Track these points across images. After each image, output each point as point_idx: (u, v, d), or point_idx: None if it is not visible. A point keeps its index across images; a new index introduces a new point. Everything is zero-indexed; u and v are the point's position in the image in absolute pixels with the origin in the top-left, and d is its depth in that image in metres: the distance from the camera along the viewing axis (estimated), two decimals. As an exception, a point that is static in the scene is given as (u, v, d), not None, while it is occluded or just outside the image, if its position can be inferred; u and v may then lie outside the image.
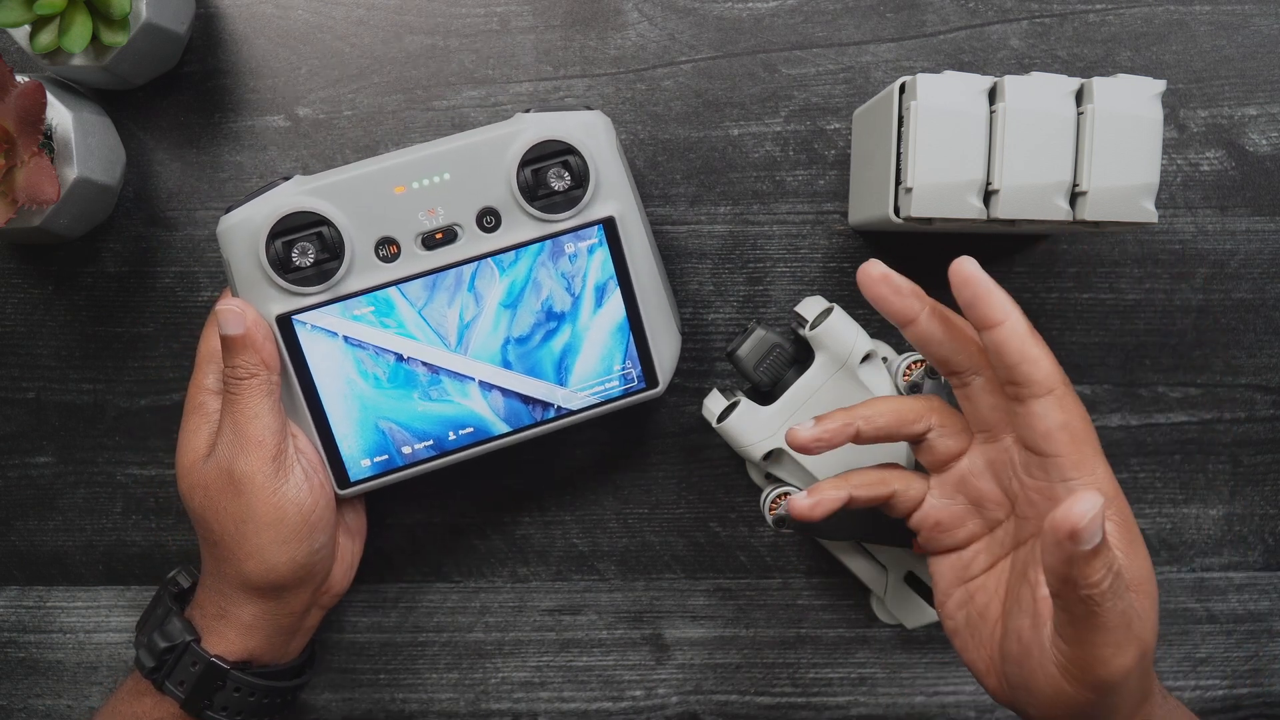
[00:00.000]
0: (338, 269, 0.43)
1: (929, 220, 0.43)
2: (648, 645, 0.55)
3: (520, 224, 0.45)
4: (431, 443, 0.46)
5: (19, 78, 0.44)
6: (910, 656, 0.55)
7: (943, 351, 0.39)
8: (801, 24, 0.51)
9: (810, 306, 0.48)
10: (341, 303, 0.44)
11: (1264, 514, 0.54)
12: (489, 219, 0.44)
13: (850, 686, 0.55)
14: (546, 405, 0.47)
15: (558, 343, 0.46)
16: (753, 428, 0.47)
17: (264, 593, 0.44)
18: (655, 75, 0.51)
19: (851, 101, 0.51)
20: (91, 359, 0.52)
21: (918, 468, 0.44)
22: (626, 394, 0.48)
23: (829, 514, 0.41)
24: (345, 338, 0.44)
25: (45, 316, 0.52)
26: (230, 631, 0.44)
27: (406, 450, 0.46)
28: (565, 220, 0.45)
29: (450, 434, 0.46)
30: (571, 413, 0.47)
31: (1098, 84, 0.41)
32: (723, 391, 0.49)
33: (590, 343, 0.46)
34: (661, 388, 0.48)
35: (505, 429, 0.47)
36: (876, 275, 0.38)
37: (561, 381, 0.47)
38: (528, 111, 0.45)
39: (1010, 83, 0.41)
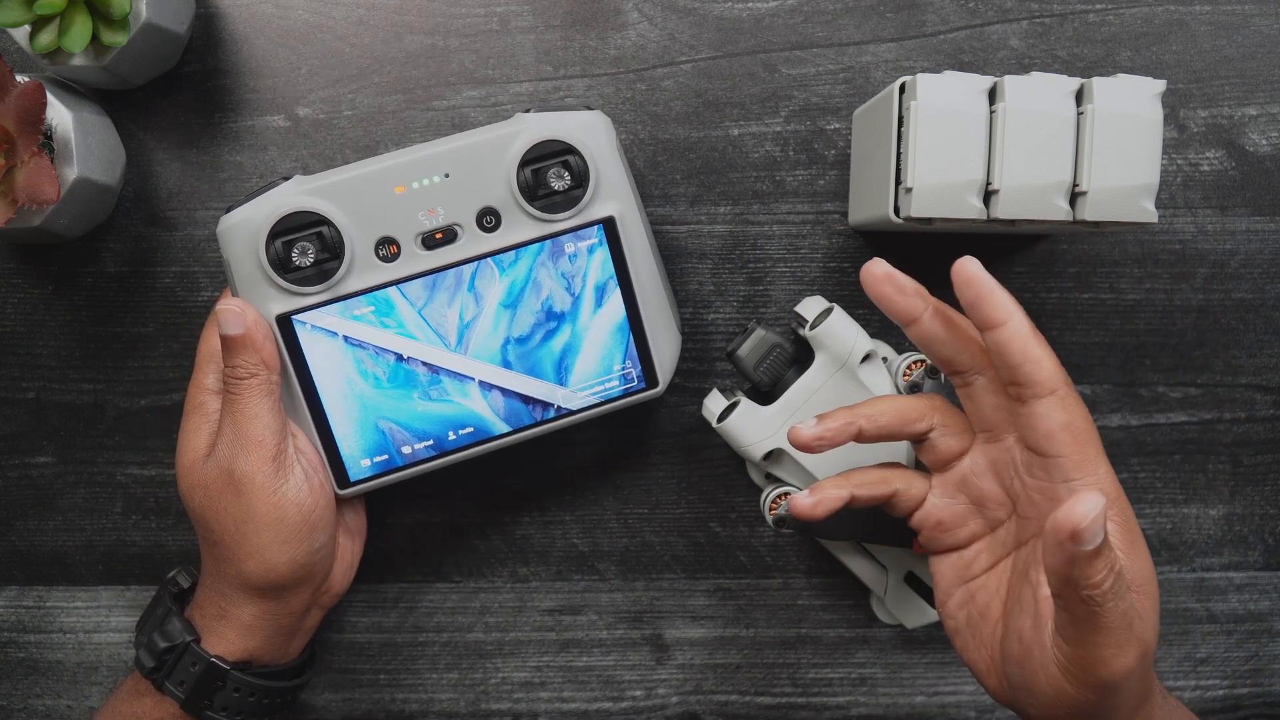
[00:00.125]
0: (338, 269, 0.43)
1: (929, 220, 0.43)
2: (648, 645, 0.55)
3: (520, 224, 0.45)
4: (431, 443, 0.46)
5: (19, 78, 0.44)
6: (910, 656, 0.55)
7: (945, 351, 0.39)
8: (801, 24, 0.51)
9: (810, 306, 0.48)
10: (341, 302, 0.44)
11: (1264, 514, 0.54)
12: (489, 219, 0.44)
13: (850, 686, 0.55)
14: (546, 405, 0.47)
15: (558, 343, 0.46)
16: (753, 428, 0.47)
17: (264, 593, 0.44)
18: (655, 75, 0.51)
19: (851, 101, 0.51)
20: (91, 359, 0.52)
21: (919, 467, 0.44)
22: (626, 394, 0.48)
23: (831, 513, 0.41)
24: (345, 337, 0.44)
25: (45, 316, 0.52)
26: (230, 632, 0.44)
27: (406, 450, 0.46)
28: (565, 220, 0.45)
29: (450, 434, 0.46)
30: (571, 412, 0.47)
31: (1098, 84, 0.41)
32: (723, 391, 0.49)
33: (590, 343, 0.46)
34: (661, 388, 0.48)
35: (505, 429, 0.47)
36: (880, 274, 0.38)
37: (561, 381, 0.47)
38: (528, 111, 0.45)
39: (1010, 83, 0.41)
